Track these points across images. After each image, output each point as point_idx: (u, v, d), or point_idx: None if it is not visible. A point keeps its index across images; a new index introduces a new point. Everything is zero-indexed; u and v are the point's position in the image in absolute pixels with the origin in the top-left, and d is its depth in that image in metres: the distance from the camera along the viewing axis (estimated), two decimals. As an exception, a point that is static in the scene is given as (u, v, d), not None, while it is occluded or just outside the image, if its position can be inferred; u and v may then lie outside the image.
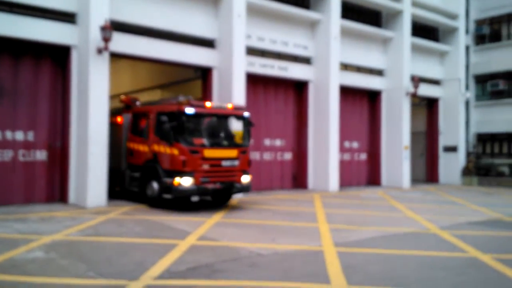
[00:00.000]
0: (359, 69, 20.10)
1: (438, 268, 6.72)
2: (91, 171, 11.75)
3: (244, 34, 15.03)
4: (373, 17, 20.90)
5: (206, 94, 15.28)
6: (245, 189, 11.99)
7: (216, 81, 15.22)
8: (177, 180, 10.83)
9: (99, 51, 11.86)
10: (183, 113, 10.95)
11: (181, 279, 5.76)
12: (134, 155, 12.52)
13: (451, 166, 22.86)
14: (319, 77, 17.91)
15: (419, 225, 10.43)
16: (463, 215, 12.13)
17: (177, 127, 10.94)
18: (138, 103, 13.46)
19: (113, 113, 13.95)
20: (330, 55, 17.59)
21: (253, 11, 16.05)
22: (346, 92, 19.43)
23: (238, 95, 14.56)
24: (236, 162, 11.65)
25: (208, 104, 11.52)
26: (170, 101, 12.02)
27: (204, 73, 15.57)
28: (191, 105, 11.08)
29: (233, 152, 11.64)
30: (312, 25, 18.15)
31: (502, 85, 24.31)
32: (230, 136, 12.12)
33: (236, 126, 12.58)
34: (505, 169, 22.41)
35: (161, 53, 13.97)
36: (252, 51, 16.14)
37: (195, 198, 11.51)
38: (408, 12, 20.67)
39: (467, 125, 24.63)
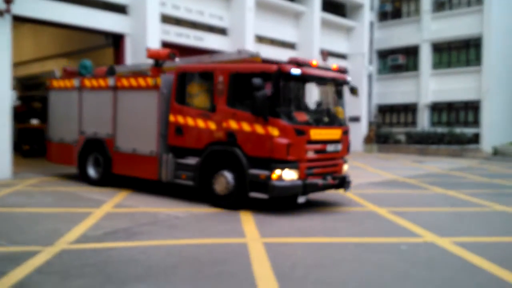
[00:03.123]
0: (273, 42, 20.63)
1: (340, 220, 7.49)
2: (-7, 142, 10.98)
3: (158, 1, 14.70)
4: (286, -9, 21.42)
5: (119, 62, 14.82)
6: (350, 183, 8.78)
7: (129, 49, 14.81)
8: (278, 172, 7.60)
9: (0, 13, 10.96)
10: (287, 74, 7.66)
11: (99, 242, 5.82)
12: (185, 133, 8.77)
13: (354, 135, 24.49)
14: (235, 48, 18.10)
15: (326, 186, 11.30)
16: (364, 177, 13.30)
17: (274, 96, 7.65)
18: (177, 60, 9.85)
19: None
20: (245, 26, 17.83)
21: (166, -22, 15.70)
22: (260, 64, 19.88)
23: (152, 64, 14.32)
24: (340, 147, 8.62)
25: (314, 62, 8.27)
26: (238, 57, 8.95)
27: (116, 40, 15.06)
28: (297, 64, 7.85)
29: (337, 133, 8.54)
30: (227, -4, 18.19)
31: (401, 59, 26.37)
32: (329, 110, 8.96)
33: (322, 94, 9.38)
34: (402, 137, 24.66)
35: (68, 18, 13.25)
36: (167, 19, 15.85)
37: (301, 200, 7.88)
38: (318, -13, 21.46)
39: (369, 97, 26.49)
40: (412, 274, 4.88)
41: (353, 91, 9.03)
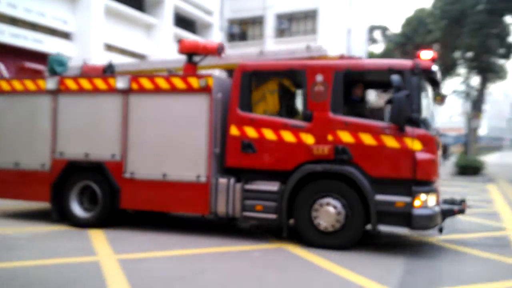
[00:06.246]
0: (124, 52, 19.99)
1: (198, 230, 7.57)
2: None
3: (-10, -4, 13.11)
4: (138, 2, 21.09)
5: None
6: None
7: (-49, 47, 12.83)
8: (422, 198, 6.04)
9: None
10: (426, 72, 6.27)
11: None
12: (260, 151, 6.71)
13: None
14: (81, 55, 17.00)
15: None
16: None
17: (410, 100, 6.05)
18: (223, 55, 7.59)
19: None
20: (92, 33, 16.97)
21: (2, -28, 14.12)
22: (109, 74, 19.11)
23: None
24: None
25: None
26: (307, 55, 7.36)
27: None
28: (431, 57, 6.37)
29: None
30: (73, -1, 17.12)
31: (247, 79, 28.06)
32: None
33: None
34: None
35: None
36: (1, 18, 14.19)
37: (441, 231, 6.59)
38: (170, 2, 21.62)
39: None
40: (267, 277, 5.23)
41: (440, 98, 7.71)
